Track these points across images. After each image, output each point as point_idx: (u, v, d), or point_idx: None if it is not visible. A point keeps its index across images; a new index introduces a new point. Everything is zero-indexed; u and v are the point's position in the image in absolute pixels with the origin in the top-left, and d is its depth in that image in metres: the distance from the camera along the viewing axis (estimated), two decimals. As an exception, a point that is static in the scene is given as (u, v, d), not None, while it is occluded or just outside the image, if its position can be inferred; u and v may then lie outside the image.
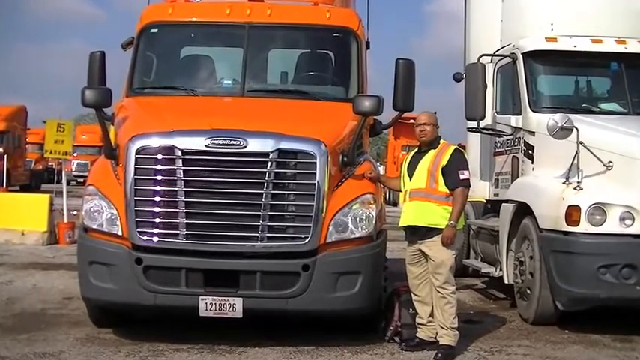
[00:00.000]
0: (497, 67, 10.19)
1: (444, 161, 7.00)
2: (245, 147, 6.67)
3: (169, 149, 6.70)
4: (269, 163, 6.69)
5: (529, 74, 9.41)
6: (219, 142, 6.67)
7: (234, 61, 8.11)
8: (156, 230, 6.69)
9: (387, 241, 7.46)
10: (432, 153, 7.10)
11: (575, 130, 8.01)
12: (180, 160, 6.68)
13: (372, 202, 6.99)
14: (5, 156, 27.12)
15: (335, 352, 7.02)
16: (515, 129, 9.52)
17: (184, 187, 6.67)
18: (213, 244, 6.67)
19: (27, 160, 35.39)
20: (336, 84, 8.39)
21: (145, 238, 6.69)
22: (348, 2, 9.68)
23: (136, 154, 6.73)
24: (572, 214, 7.82)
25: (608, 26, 9.61)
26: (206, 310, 6.66)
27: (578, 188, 7.93)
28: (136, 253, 6.70)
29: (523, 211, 8.81)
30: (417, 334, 7.22)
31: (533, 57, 9.44)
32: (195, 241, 6.67)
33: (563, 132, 8.06)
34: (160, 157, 6.71)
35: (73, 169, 42.64)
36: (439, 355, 6.90)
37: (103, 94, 7.12)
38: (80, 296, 7.36)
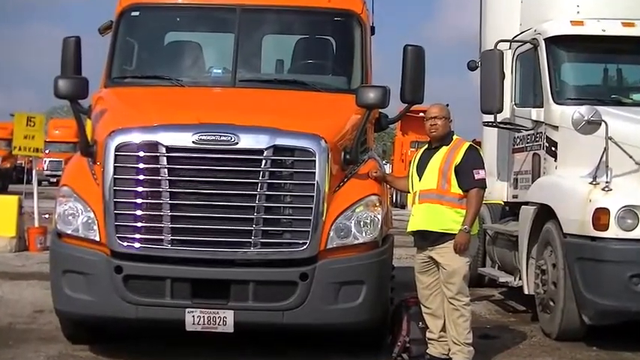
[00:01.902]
0: (516, 54, 10.22)
1: (458, 159, 7.04)
2: (236, 143, 6.70)
3: (152, 146, 6.73)
4: (263, 161, 6.72)
5: (552, 62, 9.44)
6: (208, 137, 6.70)
7: (224, 48, 8.13)
8: (137, 235, 6.72)
9: (393, 247, 7.50)
10: (443, 150, 7.13)
11: (603, 123, 8.04)
12: (165, 158, 6.71)
13: (378, 204, 7.02)
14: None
15: (336, 371, 7.07)
16: (537, 123, 9.56)
17: (169, 188, 6.70)
18: (202, 251, 6.70)
19: (-7, 157, 35.43)
20: (337, 73, 8.42)
21: (125, 244, 6.72)
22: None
23: (116, 151, 6.75)
24: (600, 217, 7.85)
25: (642, 8, 9.64)
26: (193, 324, 6.69)
27: (607, 189, 7.96)
28: (116, 261, 6.73)
29: (545, 214, 8.85)
30: (427, 351, 7.26)
31: (557, 42, 9.47)
32: (182, 247, 6.70)
33: (590, 126, 8.08)
34: (142, 154, 6.73)
35: (45, 168, 42.73)
36: (452, 373, 6.95)
37: (78, 85, 7.14)
38: (52, 309, 7.38)
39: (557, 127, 9.17)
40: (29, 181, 18.33)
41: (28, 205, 16.17)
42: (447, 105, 7.58)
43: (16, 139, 16.27)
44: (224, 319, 6.68)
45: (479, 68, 9.87)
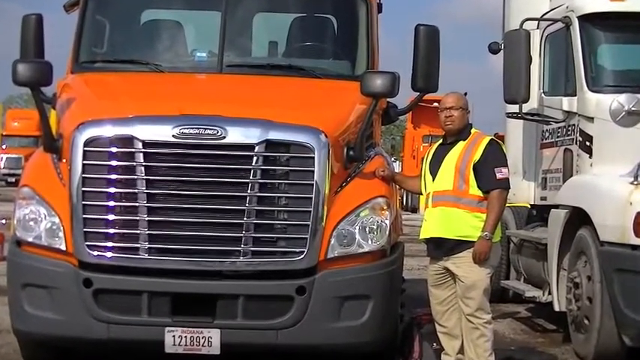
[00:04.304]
0: (545, 34, 10.25)
1: (477, 156, 7.07)
2: (224, 137, 6.74)
3: (127, 140, 6.76)
4: (254, 158, 6.75)
5: (587, 43, 9.46)
6: (191, 131, 6.73)
7: (209, 28, 8.16)
8: (110, 244, 6.75)
9: (403, 257, 7.53)
10: (460, 145, 7.17)
11: (645, 114, 8.09)
12: (141, 155, 6.74)
13: (385, 207, 7.05)
14: None
15: (338, 399, 7.10)
16: (569, 114, 9.59)
17: (146, 189, 6.72)
18: (184, 261, 6.73)
19: (-59, 153, 35.50)
20: (339, 57, 8.46)
21: (95, 253, 6.75)
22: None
23: (85, 146, 6.78)
24: (642, 222, 7.89)
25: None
26: (174, 345, 6.72)
27: (650, 190, 8.00)
28: (85, 273, 6.76)
29: (579, 218, 8.88)
30: (442, 376, 7.31)
31: (593, 21, 9.49)
32: (160, 257, 6.73)
33: (630, 117, 8.15)
34: (115, 150, 6.76)
35: (2, 166, 42.78)
36: (471, 402, 6.99)
37: (40, 70, 7.15)
38: (10, 329, 7.40)
39: (593, 118, 9.19)
40: (-17, 181, 18.34)
41: (-18, 209, 16.19)
42: (465, 94, 7.62)
43: (-31, 133, 16.30)
44: (209, 340, 6.71)
45: (502, 51, 9.90)
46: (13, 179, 37.16)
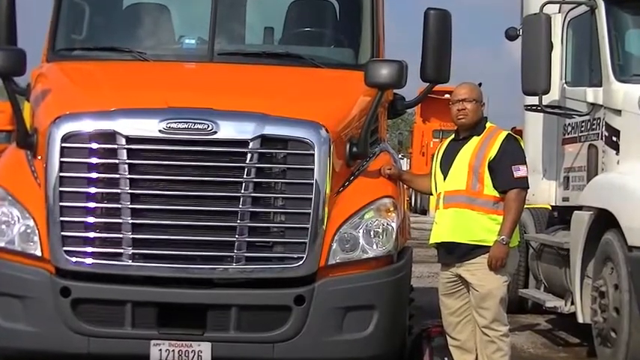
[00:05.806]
0: (568, 19, 10.26)
1: (492, 152, 7.09)
2: (215, 132, 6.75)
3: (109, 136, 6.77)
4: (248, 155, 6.76)
5: (614, 28, 9.48)
6: (179, 125, 6.74)
7: (198, 13, 8.17)
8: (90, 249, 6.77)
9: (412, 263, 7.55)
10: (474, 141, 7.19)
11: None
12: (125, 151, 6.75)
13: (392, 208, 7.07)
14: None
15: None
16: (594, 106, 9.61)
17: (130, 189, 6.74)
18: (171, 268, 6.75)
19: None
20: (341, 44, 8.48)
21: (74, 259, 6.77)
22: None
23: (62, 142, 6.78)
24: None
25: None
26: (160, 359, 6.74)
27: (682, 190, 8.03)
28: (62, 281, 6.77)
29: (604, 221, 8.90)
30: (454, 394, 7.33)
31: (621, 4, 9.53)
32: (146, 263, 6.75)
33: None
34: (95, 146, 6.78)
35: (-30, 164, 42.59)
36: (486, 422, 7.02)
37: (13, 58, 7.15)
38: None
39: (620, 111, 9.22)
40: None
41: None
42: (479, 84, 7.64)
43: None
44: (199, 354, 6.72)
45: (520, 37, 9.91)
46: (-17, 178, 37.08)
